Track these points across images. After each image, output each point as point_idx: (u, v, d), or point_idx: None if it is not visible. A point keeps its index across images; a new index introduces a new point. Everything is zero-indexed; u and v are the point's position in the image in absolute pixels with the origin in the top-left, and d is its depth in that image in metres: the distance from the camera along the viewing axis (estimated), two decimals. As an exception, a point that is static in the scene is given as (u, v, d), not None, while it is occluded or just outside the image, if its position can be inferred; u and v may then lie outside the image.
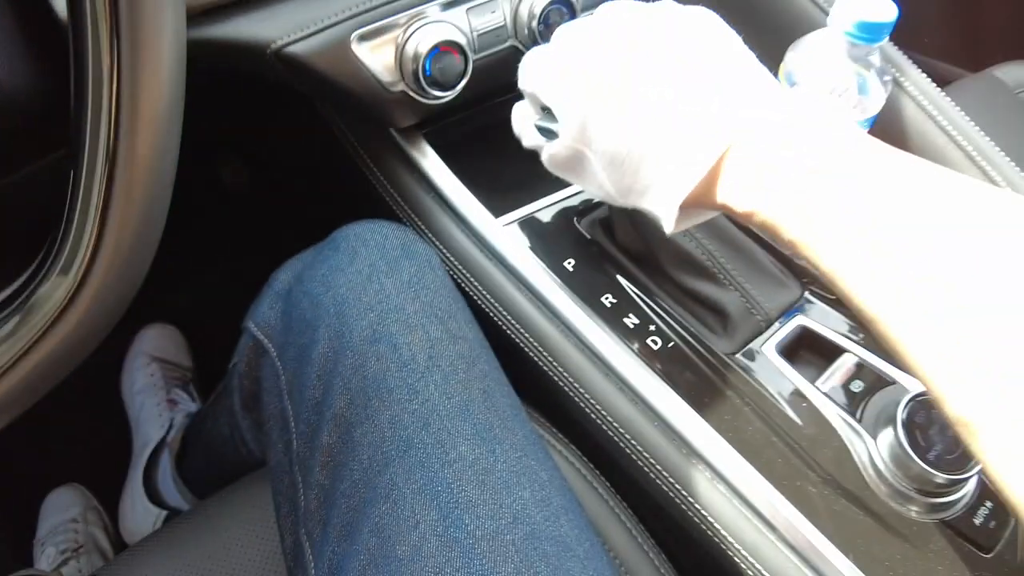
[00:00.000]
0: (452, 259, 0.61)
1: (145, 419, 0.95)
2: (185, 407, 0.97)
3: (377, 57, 0.58)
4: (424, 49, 0.57)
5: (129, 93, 0.36)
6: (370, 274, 0.54)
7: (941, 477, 0.47)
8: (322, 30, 0.56)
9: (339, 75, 0.58)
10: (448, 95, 0.60)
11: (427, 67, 0.58)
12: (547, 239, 0.59)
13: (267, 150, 1.05)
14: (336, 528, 0.49)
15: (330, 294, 0.54)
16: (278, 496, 0.56)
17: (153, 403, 0.96)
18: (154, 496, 0.90)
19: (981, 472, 0.51)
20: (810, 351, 0.56)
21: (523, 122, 0.52)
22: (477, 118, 0.68)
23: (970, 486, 0.50)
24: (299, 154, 0.95)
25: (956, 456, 0.48)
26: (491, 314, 0.59)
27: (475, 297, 0.60)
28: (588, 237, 0.60)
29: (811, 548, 0.48)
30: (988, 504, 0.50)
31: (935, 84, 0.62)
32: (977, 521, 0.49)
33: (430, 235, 0.63)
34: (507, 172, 0.65)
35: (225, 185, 1.14)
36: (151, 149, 0.38)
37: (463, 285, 0.61)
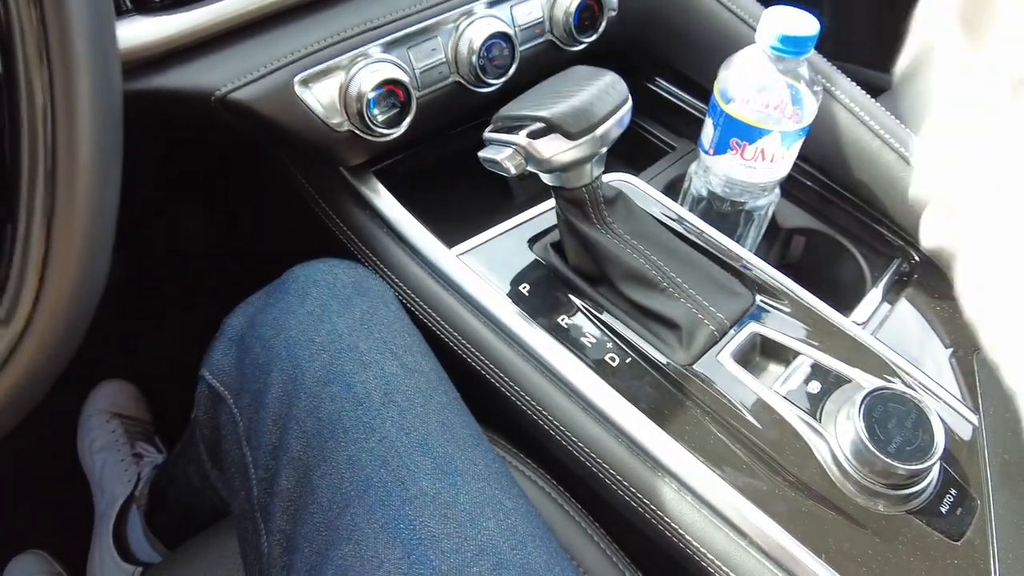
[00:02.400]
0: (409, 292, 0.61)
1: (109, 476, 0.92)
2: (151, 459, 0.94)
3: (321, 99, 0.58)
4: (367, 88, 0.58)
5: (65, 147, 0.36)
6: (321, 314, 0.54)
7: (903, 468, 0.47)
8: (265, 75, 0.57)
9: (284, 118, 0.58)
10: (394, 132, 0.61)
11: (371, 106, 0.59)
12: (501, 265, 0.60)
13: (223, 197, 1.05)
14: (300, 573, 0.48)
15: (281, 337, 0.54)
16: (243, 544, 0.54)
17: (116, 459, 0.94)
18: (125, 553, 0.87)
19: (943, 460, 0.51)
20: (765, 356, 0.56)
21: None
22: (426, 153, 0.69)
23: (933, 475, 0.50)
24: (254, 199, 0.95)
25: (916, 447, 0.48)
26: (450, 343, 0.59)
27: (434, 328, 0.60)
28: (541, 261, 0.60)
29: (782, 551, 0.47)
30: (952, 492, 0.50)
31: (869, 92, 0.65)
32: (944, 509, 0.49)
33: (385, 270, 0.63)
34: (458, 203, 0.66)
35: (183, 234, 1.13)
36: (89, 202, 0.38)
37: (421, 317, 0.60)
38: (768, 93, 0.57)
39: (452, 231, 0.62)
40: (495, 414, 0.58)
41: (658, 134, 0.78)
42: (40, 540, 0.92)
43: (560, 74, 0.56)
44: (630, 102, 0.53)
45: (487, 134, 0.53)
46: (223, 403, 0.57)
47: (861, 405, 0.49)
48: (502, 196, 0.73)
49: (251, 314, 0.58)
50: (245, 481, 0.54)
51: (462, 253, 0.60)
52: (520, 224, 0.63)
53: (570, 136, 0.50)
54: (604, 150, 0.53)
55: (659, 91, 0.80)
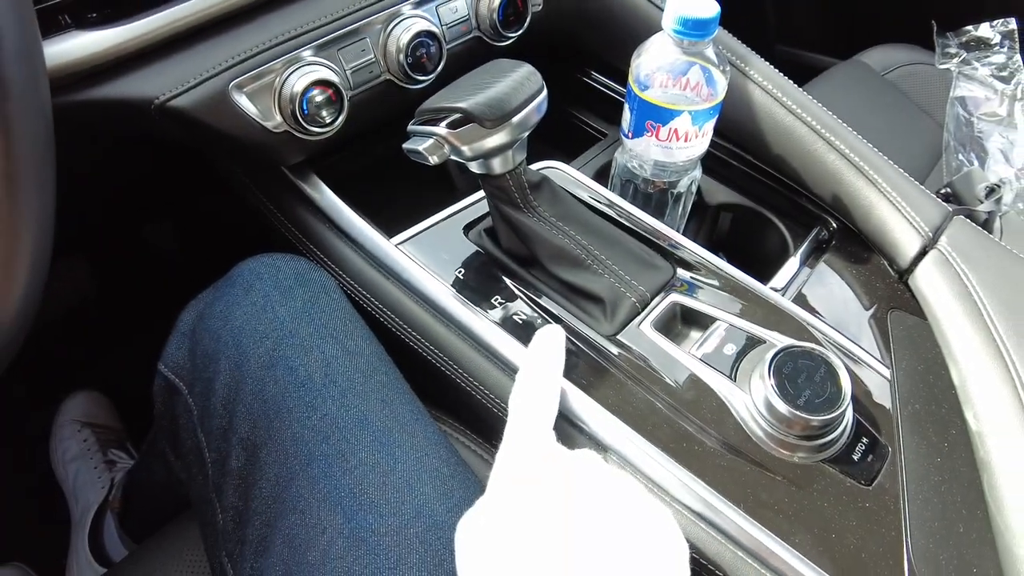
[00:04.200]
0: (352, 283, 0.64)
1: (82, 484, 0.95)
2: (124, 465, 0.97)
3: (256, 102, 0.62)
4: (299, 89, 0.61)
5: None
6: (264, 304, 0.57)
7: (814, 419, 0.50)
8: (200, 83, 0.60)
9: (222, 123, 0.61)
10: (329, 130, 0.64)
11: (304, 107, 0.62)
12: (438, 252, 0.63)
13: (177, 206, 1.08)
14: (252, 545, 0.51)
15: (228, 327, 0.57)
16: (203, 525, 0.57)
17: (89, 467, 0.96)
18: (102, 558, 0.90)
19: (856, 411, 0.55)
20: (686, 324, 0.59)
21: None
22: (366, 150, 0.72)
23: (845, 424, 0.53)
24: (203, 205, 0.98)
25: (824, 399, 0.51)
26: (394, 329, 0.62)
27: (377, 315, 0.63)
28: (476, 247, 0.64)
29: (702, 503, 0.50)
30: (864, 440, 0.54)
31: (808, 73, 0.68)
32: (856, 457, 0.53)
33: (330, 263, 0.66)
34: (397, 196, 0.69)
35: (151, 245, 1.16)
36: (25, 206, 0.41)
37: (365, 306, 0.64)
38: (679, 76, 0.60)
39: (392, 222, 0.65)
40: (437, 391, 0.61)
41: (590, 123, 0.82)
42: (18, 553, 0.95)
43: (480, 68, 0.59)
44: (545, 91, 0.57)
45: (410, 127, 0.57)
46: (178, 394, 0.60)
47: (771, 363, 0.52)
48: (443, 188, 0.77)
49: (201, 308, 0.61)
50: (201, 465, 0.57)
51: (401, 242, 0.63)
52: (456, 213, 0.66)
53: (487, 125, 0.54)
54: (524, 136, 0.56)
55: (590, 81, 0.83)
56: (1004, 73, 1.02)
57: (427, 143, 0.55)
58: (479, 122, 0.53)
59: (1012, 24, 1.05)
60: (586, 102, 0.83)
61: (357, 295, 0.64)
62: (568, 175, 0.68)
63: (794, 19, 1.19)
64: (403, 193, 0.72)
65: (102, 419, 1.04)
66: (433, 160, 0.55)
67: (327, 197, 0.66)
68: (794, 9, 1.24)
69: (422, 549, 0.48)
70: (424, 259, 0.62)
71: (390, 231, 0.64)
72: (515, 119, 0.54)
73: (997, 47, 1.04)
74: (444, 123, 0.54)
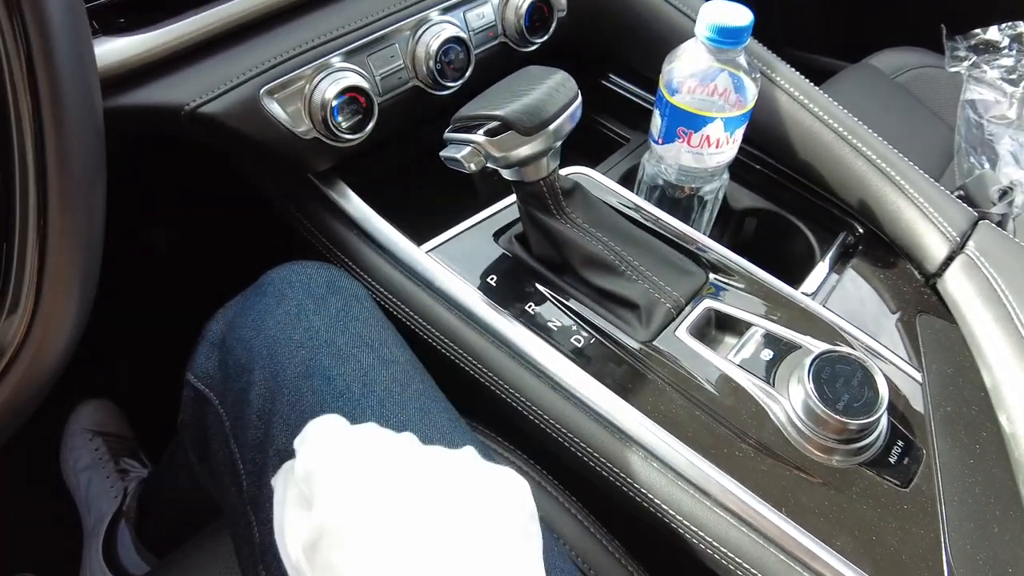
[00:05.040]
0: (381, 289, 0.65)
1: (95, 495, 0.95)
2: (137, 474, 0.97)
3: (287, 108, 0.62)
4: (330, 96, 0.62)
5: (55, 165, 0.39)
6: (298, 313, 0.57)
7: (852, 423, 0.52)
8: (231, 89, 0.60)
9: (251, 129, 0.61)
10: (358, 137, 0.64)
11: (335, 113, 0.63)
12: (469, 259, 0.64)
13: (193, 210, 1.08)
14: None
15: (261, 337, 0.57)
16: (237, 540, 0.57)
17: (102, 476, 0.96)
18: (117, 569, 0.89)
19: (889, 414, 0.56)
20: (721, 330, 0.60)
21: None
22: (393, 156, 0.73)
23: (881, 428, 0.54)
24: (224, 210, 0.98)
25: (862, 403, 0.52)
26: (426, 336, 0.63)
27: (407, 322, 0.64)
28: (507, 253, 0.64)
29: (744, 507, 0.51)
30: (900, 443, 0.55)
31: (816, 76, 0.70)
32: (892, 459, 0.54)
33: (358, 270, 0.66)
34: (425, 203, 0.70)
35: (155, 249, 1.16)
36: (78, 220, 0.41)
37: (394, 312, 0.64)
38: (710, 82, 0.61)
39: (421, 230, 0.65)
40: (474, 402, 0.61)
41: (613, 128, 0.83)
42: (30, 564, 0.94)
43: (514, 75, 0.60)
44: (580, 98, 0.57)
45: (447, 134, 0.57)
46: (209, 404, 0.60)
47: (810, 368, 0.53)
48: (467, 194, 0.77)
49: (230, 318, 0.61)
50: (235, 478, 0.57)
51: (431, 249, 0.64)
52: (485, 219, 0.67)
53: (525, 132, 0.54)
54: (558, 144, 0.57)
55: (612, 87, 0.84)
56: (1013, 76, 1.04)
57: (465, 151, 0.55)
58: (517, 129, 0.54)
59: (1021, 27, 1.07)
60: (607, 107, 0.84)
61: (388, 303, 0.64)
62: (597, 181, 0.69)
63: (801, 22, 1.20)
64: (426, 200, 0.73)
65: (113, 428, 1.04)
66: (471, 168, 0.55)
67: (355, 204, 0.67)
68: (801, 12, 1.26)
69: None
70: (455, 266, 0.63)
71: (418, 238, 0.65)
72: (552, 126, 0.55)
73: (1006, 50, 1.06)
74: (481, 131, 0.55)
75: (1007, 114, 1.00)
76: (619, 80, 0.85)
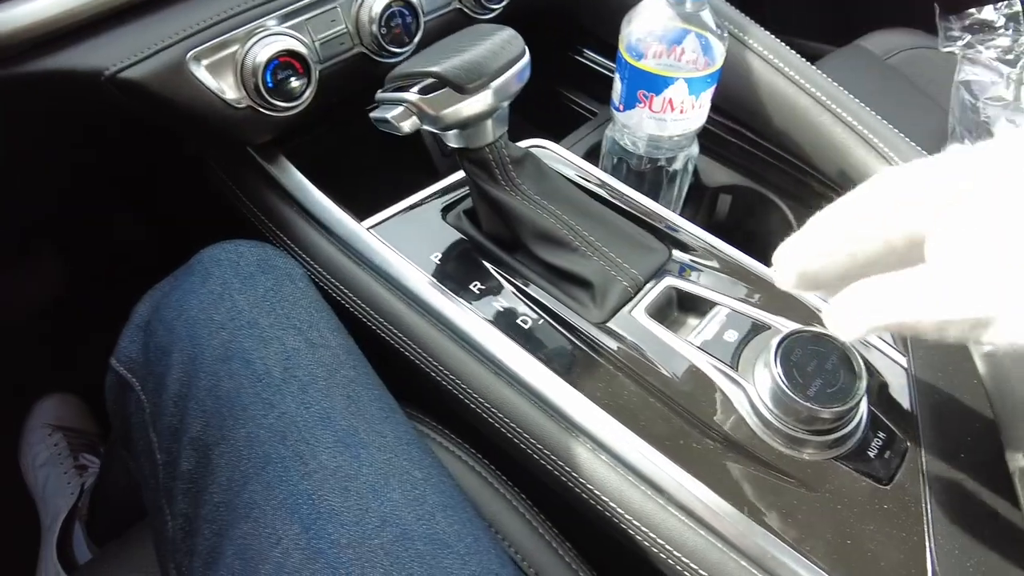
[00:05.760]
0: (320, 270, 0.58)
1: (52, 491, 0.88)
2: (95, 470, 0.90)
3: (217, 75, 0.55)
4: (263, 61, 0.55)
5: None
6: (222, 292, 0.51)
7: (825, 412, 0.44)
8: (155, 53, 0.53)
9: (178, 97, 0.55)
10: (294, 105, 0.57)
11: (268, 80, 0.56)
12: (413, 236, 0.56)
13: (150, 199, 1.02)
14: (201, 556, 0.45)
15: (183, 318, 0.51)
16: (155, 534, 0.51)
17: (59, 472, 0.89)
18: (71, 567, 0.83)
19: (870, 403, 0.48)
20: (684, 311, 0.53)
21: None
22: (339, 130, 0.66)
23: (860, 417, 0.47)
24: (178, 196, 0.91)
25: (837, 389, 0.45)
26: (363, 318, 0.56)
27: (346, 304, 0.56)
28: (455, 230, 0.57)
29: (702, 507, 0.44)
30: (881, 435, 0.47)
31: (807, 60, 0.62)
32: (871, 453, 0.46)
33: (297, 249, 0.59)
34: (373, 179, 0.63)
35: (120, 241, 1.09)
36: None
37: (333, 294, 0.57)
38: (672, 44, 0.54)
39: (366, 206, 0.59)
40: (417, 390, 0.54)
41: (582, 102, 0.75)
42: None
43: (458, 32, 0.53)
44: (527, 57, 0.50)
45: (379, 94, 0.50)
46: (130, 390, 0.53)
47: (778, 349, 0.45)
48: (419, 170, 0.70)
49: (157, 299, 0.55)
50: (152, 467, 0.50)
51: (373, 226, 0.57)
52: (434, 195, 0.60)
53: (462, 90, 0.47)
54: (504, 105, 0.50)
55: (581, 59, 0.77)
56: (1010, 56, 0.95)
57: (396, 111, 0.48)
58: (453, 86, 0.47)
59: (1017, 6, 0.99)
60: (578, 81, 0.76)
61: (327, 284, 0.58)
62: (555, 154, 0.62)
63: (789, 5, 1.13)
64: (380, 176, 0.66)
65: (74, 422, 0.97)
66: (404, 129, 0.49)
67: (294, 178, 0.60)
68: (790, -3, 1.18)
69: (387, 561, 0.41)
70: (398, 244, 0.56)
71: (362, 215, 0.58)
72: (493, 84, 0.48)
73: (1002, 29, 0.98)
74: (415, 88, 0.48)
75: (1004, 95, 0.91)
76: (592, 55, 0.77)
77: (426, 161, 0.71)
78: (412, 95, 0.48)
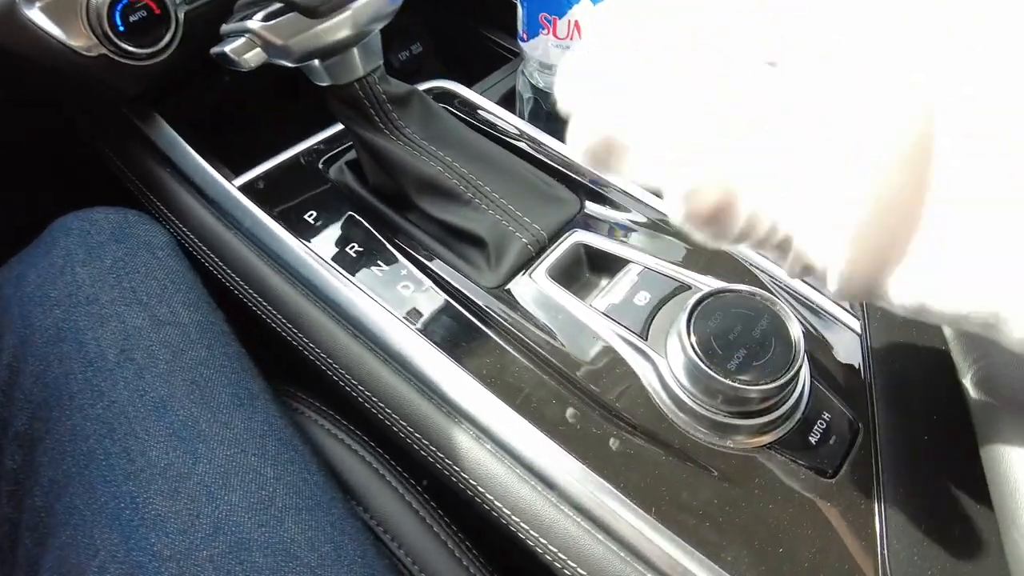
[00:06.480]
0: (191, 235, 0.48)
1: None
2: None
3: (58, 19, 0.46)
4: (107, 0, 0.45)
5: None
6: (63, 265, 0.43)
7: (752, 390, 0.34)
8: (-21, -6, 0.44)
9: (15, 45, 0.45)
10: (155, 51, 0.48)
11: (118, 22, 0.46)
12: (289, 192, 0.47)
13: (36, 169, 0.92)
14: (23, 568, 0.37)
15: (19, 295, 0.43)
16: None
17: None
18: None
19: (811, 374, 0.38)
20: (594, 270, 0.43)
21: None
22: (232, 84, 0.56)
23: (799, 394, 0.37)
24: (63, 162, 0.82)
25: (767, 359, 0.35)
26: (233, 289, 0.46)
27: (217, 274, 0.47)
28: (336, 185, 0.48)
29: (601, 506, 0.34)
30: (825, 416, 0.37)
31: None
32: (813, 439, 0.36)
33: (169, 214, 0.50)
34: (258, 134, 0.53)
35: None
36: None
37: (205, 263, 0.48)
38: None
39: (238, 164, 0.49)
40: (301, 372, 0.45)
41: (506, 44, 0.64)
42: None
43: None
44: None
45: (224, 27, 0.41)
46: None
47: (692, 313, 0.36)
48: (312, 122, 0.60)
49: (4, 274, 0.46)
50: None
51: (245, 183, 0.48)
52: (317, 147, 0.50)
53: (312, 13, 0.38)
54: (373, 30, 0.40)
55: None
56: None
57: (237, 43, 0.39)
58: (301, 10, 0.38)
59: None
60: (500, 21, 0.65)
61: (200, 252, 0.48)
62: (461, 95, 0.51)
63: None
64: (272, 133, 0.56)
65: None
66: (248, 64, 0.39)
67: (165, 135, 0.51)
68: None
69: None
70: (272, 203, 0.46)
71: (234, 172, 0.49)
72: (355, 5, 0.38)
73: None
74: (260, 16, 0.39)
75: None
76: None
77: (317, 107, 0.61)
78: (254, 23, 0.38)
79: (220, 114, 0.56)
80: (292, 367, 0.46)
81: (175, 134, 0.51)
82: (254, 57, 0.39)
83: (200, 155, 0.49)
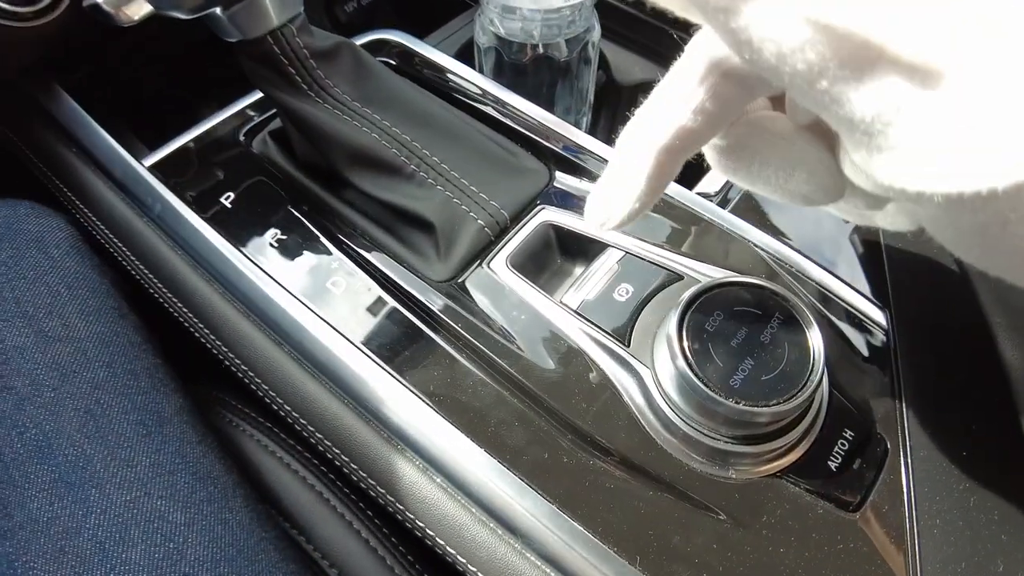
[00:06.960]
0: (100, 225, 0.40)
1: None
2: None
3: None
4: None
5: None
6: None
7: (762, 412, 0.26)
8: None
9: None
10: (40, 9, 0.39)
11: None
12: (206, 172, 0.38)
13: None
14: None
15: None
16: None
17: None
18: None
19: (830, 386, 0.30)
20: (565, 256, 0.34)
21: None
22: (136, 54, 0.47)
23: (816, 411, 0.29)
24: None
25: (778, 372, 0.27)
26: (148, 287, 0.38)
27: (130, 269, 0.39)
28: (259, 158, 0.39)
29: (574, 554, 0.27)
30: (847, 434, 0.29)
31: None
32: (833, 464, 0.29)
33: (76, 199, 0.42)
34: (170, 111, 0.44)
35: None
36: None
37: (119, 257, 0.40)
38: None
39: (151, 142, 0.41)
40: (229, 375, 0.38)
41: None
42: None
43: None
44: None
45: None
46: None
47: (686, 313, 0.28)
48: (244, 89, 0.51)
49: None
50: None
51: (156, 162, 0.39)
52: (238, 113, 0.41)
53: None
54: None
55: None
56: None
57: None
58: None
59: None
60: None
61: (109, 243, 0.40)
62: (404, 46, 0.42)
63: None
64: (181, 102, 0.48)
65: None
66: (121, 15, 0.30)
67: (67, 108, 0.42)
68: None
69: None
70: (186, 184, 0.38)
71: (144, 150, 0.40)
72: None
73: None
74: None
75: None
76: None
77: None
78: (128, -41, 0.30)
79: (137, 86, 0.47)
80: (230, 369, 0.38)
81: (78, 107, 0.42)
82: (131, 8, 0.30)
83: (108, 131, 0.40)
